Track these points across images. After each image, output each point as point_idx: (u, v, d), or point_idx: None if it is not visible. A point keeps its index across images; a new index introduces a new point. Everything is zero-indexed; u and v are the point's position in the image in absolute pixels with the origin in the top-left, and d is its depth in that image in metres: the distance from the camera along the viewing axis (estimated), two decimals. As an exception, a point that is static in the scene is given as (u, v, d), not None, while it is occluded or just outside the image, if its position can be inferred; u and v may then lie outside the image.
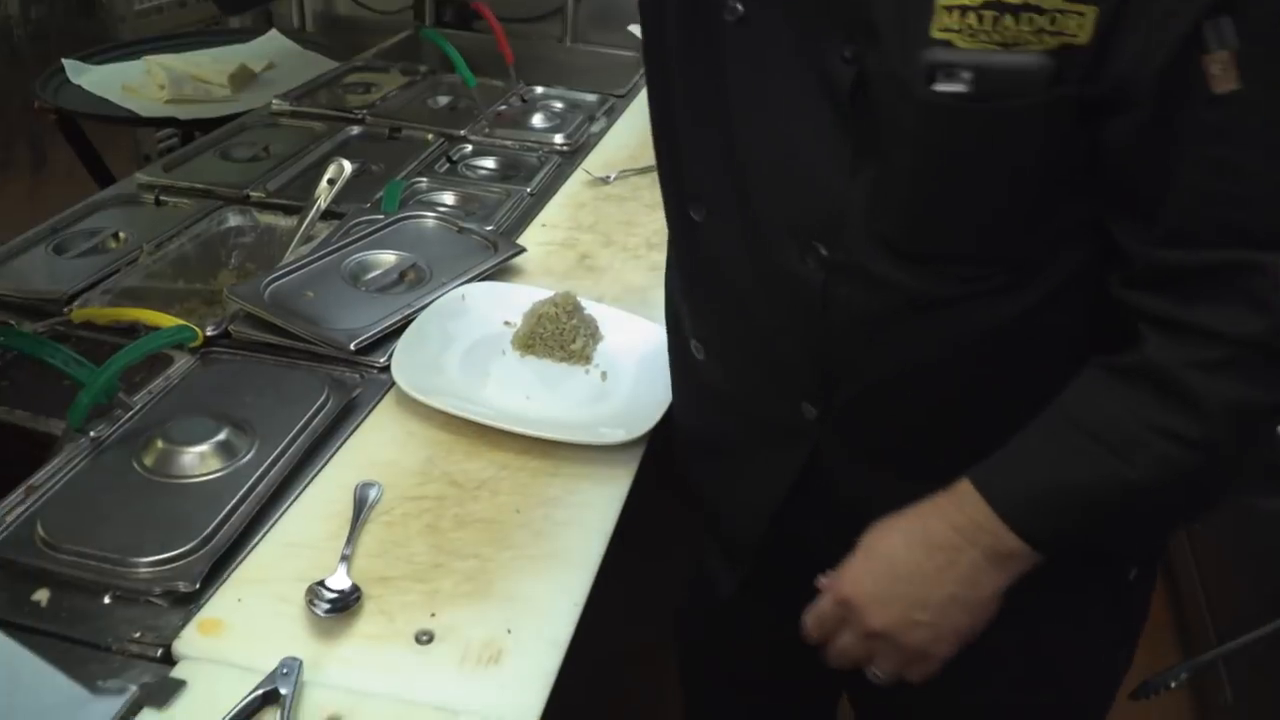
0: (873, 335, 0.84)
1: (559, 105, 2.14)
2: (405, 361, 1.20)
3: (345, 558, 0.96)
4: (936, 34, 0.69)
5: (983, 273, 0.79)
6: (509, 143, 1.93)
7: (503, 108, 2.08)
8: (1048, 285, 0.79)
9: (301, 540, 0.99)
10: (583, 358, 1.28)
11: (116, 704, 0.79)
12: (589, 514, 1.06)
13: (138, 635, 0.88)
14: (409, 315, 1.29)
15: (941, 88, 0.70)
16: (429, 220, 1.55)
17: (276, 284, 1.33)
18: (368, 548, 0.99)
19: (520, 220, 1.65)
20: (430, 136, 1.92)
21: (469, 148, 1.91)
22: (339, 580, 0.93)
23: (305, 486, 1.05)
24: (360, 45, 2.51)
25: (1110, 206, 0.75)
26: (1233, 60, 0.65)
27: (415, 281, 1.40)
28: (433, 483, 1.08)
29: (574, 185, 1.79)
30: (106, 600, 0.91)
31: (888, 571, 0.83)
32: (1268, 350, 0.71)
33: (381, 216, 1.53)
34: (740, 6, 0.81)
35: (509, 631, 0.91)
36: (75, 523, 0.97)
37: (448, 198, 1.73)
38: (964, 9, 0.67)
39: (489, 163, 1.88)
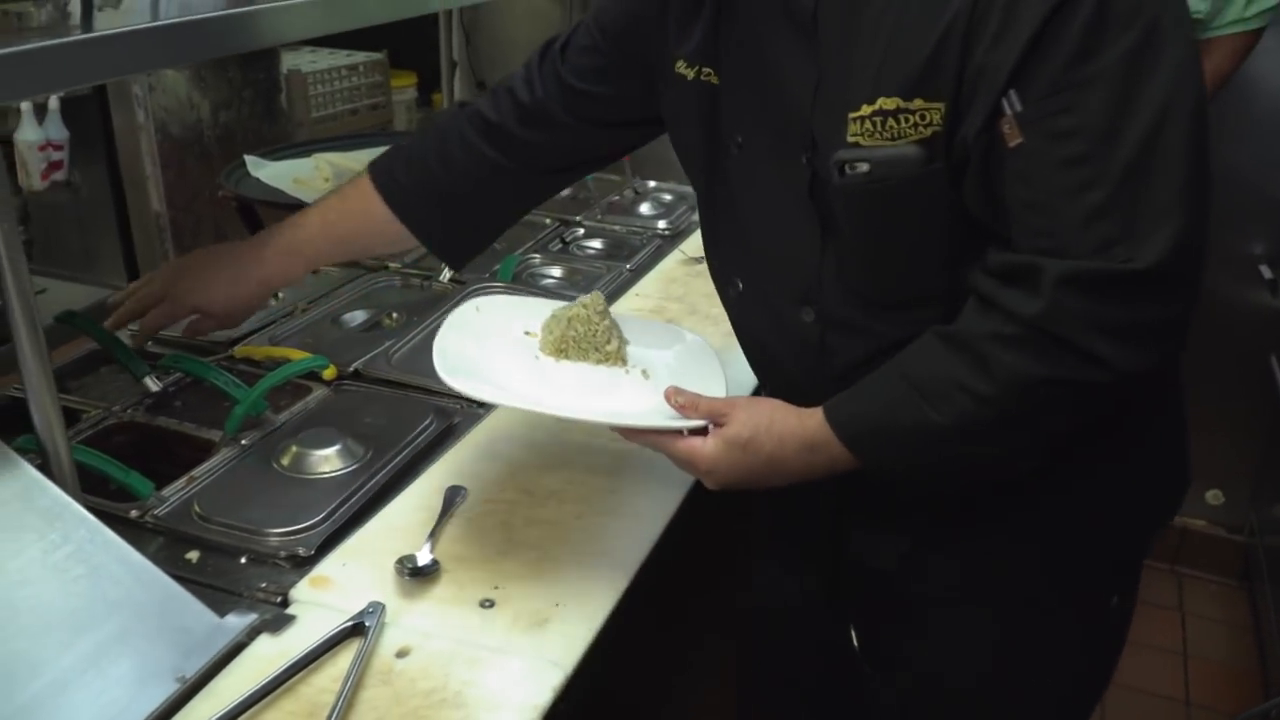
0: (858, 370, 1.04)
1: (668, 197, 2.37)
2: (456, 368, 1.12)
3: (431, 539, 1.17)
4: (850, 138, 0.96)
5: (928, 311, 1.00)
6: (617, 227, 2.17)
7: (616, 198, 2.33)
8: None
9: (398, 525, 1.20)
10: (619, 359, 1.24)
11: (240, 627, 1.02)
12: (640, 524, 1.24)
13: (264, 586, 1.10)
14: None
15: (849, 172, 0.97)
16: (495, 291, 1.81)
17: (398, 352, 1.59)
18: (450, 535, 1.19)
19: (617, 291, 1.87)
20: (548, 220, 2.19)
21: (581, 230, 2.16)
22: (423, 555, 1.14)
23: (406, 486, 1.28)
24: (500, 146, 2.82)
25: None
26: (1015, 121, 0.89)
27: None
28: (510, 490, 1.28)
29: (670, 263, 2.01)
30: (242, 560, 1.14)
31: (754, 465, 1.05)
32: (1042, 330, 0.89)
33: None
34: (740, 138, 1.10)
35: (557, 605, 1.10)
36: (223, 502, 1.21)
37: (555, 271, 1.97)
38: (863, 119, 0.95)
39: (597, 243, 2.13)
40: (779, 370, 1.20)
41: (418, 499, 1.26)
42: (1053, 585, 1.14)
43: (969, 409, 0.94)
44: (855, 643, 1.34)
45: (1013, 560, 1.13)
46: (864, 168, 0.96)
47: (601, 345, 1.23)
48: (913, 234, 1.00)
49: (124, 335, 1.60)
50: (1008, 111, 0.88)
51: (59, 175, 3.41)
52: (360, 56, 4.07)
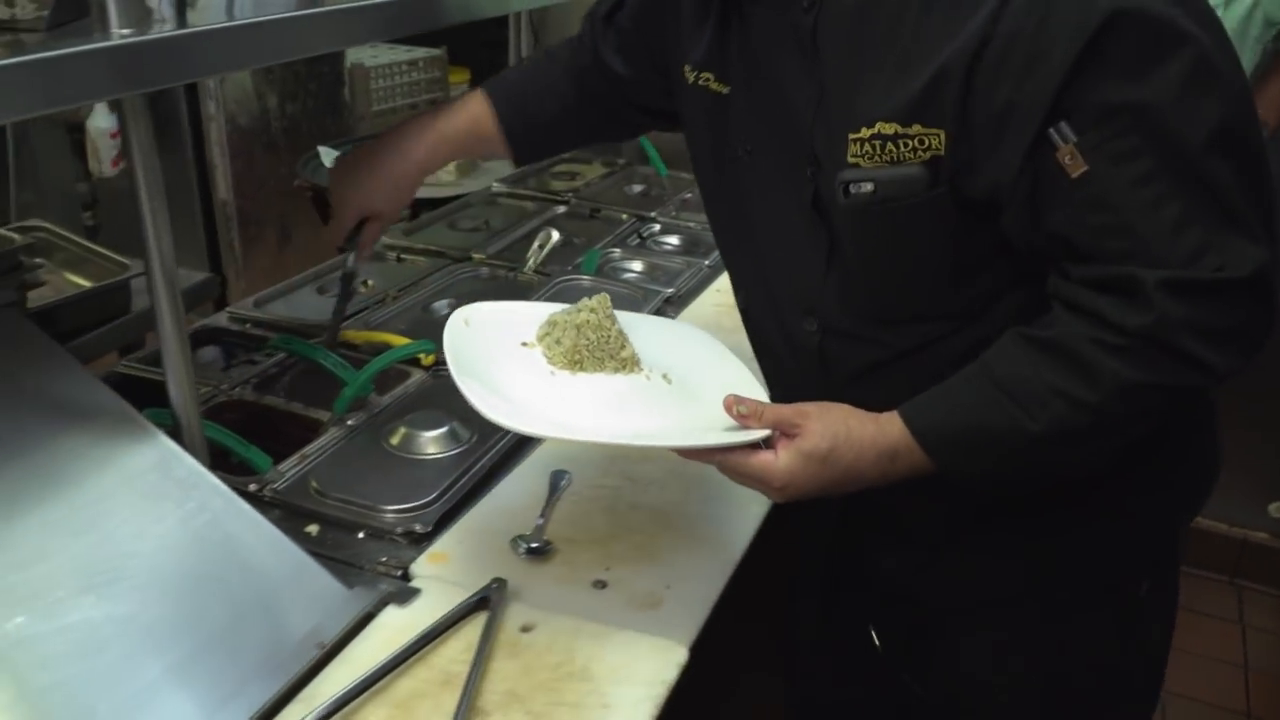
0: (861, 379, 1.06)
1: (739, 195, 2.39)
2: (509, 410, 1.04)
3: (541, 521, 1.20)
4: (850, 159, 0.96)
5: (936, 326, 1.01)
6: (692, 224, 2.20)
7: (689, 195, 2.35)
8: (995, 323, 0.99)
9: (508, 507, 1.23)
10: (635, 364, 1.16)
11: (370, 598, 1.05)
12: (740, 513, 1.27)
13: (384, 560, 1.13)
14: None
15: (853, 192, 0.97)
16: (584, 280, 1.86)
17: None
18: (558, 517, 1.22)
19: (698, 286, 1.90)
20: (625, 216, 2.22)
21: (657, 226, 2.18)
22: (536, 535, 1.17)
23: (511, 470, 1.31)
24: (568, 143, 2.86)
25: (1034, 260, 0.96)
26: (1076, 150, 0.87)
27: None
28: (612, 477, 1.31)
29: (747, 261, 2.03)
30: (360, 535, 1.18)
31: (831, 477, 0.99)
32: (1149, 339, 0.88)
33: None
34: (749, 147, 1.11)
35: (668, 588, 1.12)
36: (339, 479, 1.25)
37: (636, 265, 2.00)
38: (862, 141, 0.95)
39: (674, 239, 2.15)
40: (785, 378, 1.18)
41: (524, 482, 1.29)
42: (1074, 582, 1.13)
43: (1065, 415, 0.92)
44: (878, 644, 1.31)
45: (1028, 562, 1.12)
46: (869, 188, 0.96)
47: (616, 352, 1.15)
48: (918, 255, 1.00)
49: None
50: (1062, 144, 0.88)
51: (129, 162, 3.47)
52: (420, 52, 4.12)
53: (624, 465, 1.33)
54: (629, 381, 1.14)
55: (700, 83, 1.15)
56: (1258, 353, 0.92)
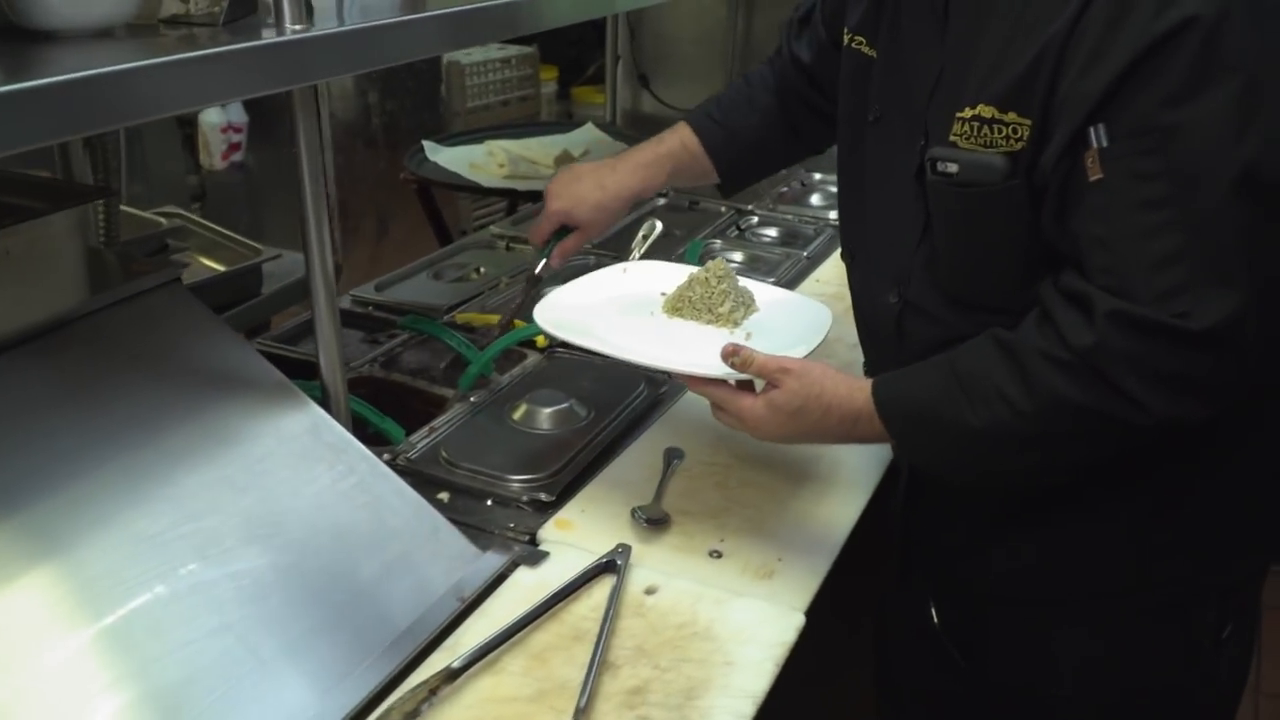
0: (930, 355, 1.07)
1: (834, 188, 2.43)
2: (552, 306, 1.27)
3: (658, 493, 1.26)
4: (951, 137, 1.00)
5: (1003, 319, 1.00)
6: (789, 216, 2.25)
7: (785, 189, 2.40)
8: None
9: (626, 480, 1.30)
10: (729, 321, 1.28)
11: (502, 558, 1.12)
12: (847, 491, 1.32)
13: (512, 526, 1.21)
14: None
15: (939, 169, 1.01)
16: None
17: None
18: (673, 491, 1.28)
19: (797, 276, 1.95)
20: (723, 209, 2.27)
21: (755, 219, 2.23)
22: (654, 507, 1.23)
23: (627, 446, 1.37)
24: (662, 137, 2.91)
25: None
26: (1098, 156, 0.89)
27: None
28: (722, 455, 1.37)
29: (844, 253, 2.08)
30: (488, 503, 1.25)
31: (798, 429, 1.08)
32: (1087, 362, 0.90)
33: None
34: (878, 108, 1.15)
35: (779, 559, 1.18)
36: (467, 450, 1.32)
37: (737, 256, 2.05)
38: (964, 120, 0.98)
39: (771, 231, 2.20)
40: (871, 346, 1.27)
41: (639, 457, 1.35)
42: (1143, 598, 1.11)
43: (1004, 418, 0.95)
44: (935, 620, 1.30)
45: (1088, 559, 1.11)
46: (953, 168, 0.99)
47: (715, 307, 1.28)
48: (990, 245, 1.02)
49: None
50: (1093, 145, 0.89)
51: (237, 156, 3.63)
52: (513, 50, 4.22)
53: (733, 444, 1.39)
54: (710, 331, 1.27)
55: (854, 46, 1.20)
56: (1218, 406, 0.92)
